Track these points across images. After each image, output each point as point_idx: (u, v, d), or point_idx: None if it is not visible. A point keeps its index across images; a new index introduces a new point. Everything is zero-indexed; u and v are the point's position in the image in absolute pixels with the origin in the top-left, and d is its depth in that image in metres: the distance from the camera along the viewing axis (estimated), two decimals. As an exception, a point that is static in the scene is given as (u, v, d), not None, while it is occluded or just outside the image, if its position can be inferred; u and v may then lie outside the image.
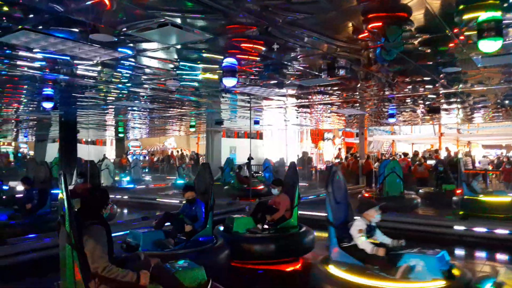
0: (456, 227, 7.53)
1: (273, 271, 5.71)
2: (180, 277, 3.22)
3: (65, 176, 3.01)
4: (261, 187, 12.74)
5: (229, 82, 5.64)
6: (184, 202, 5.65)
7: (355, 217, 4.72)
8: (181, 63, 6.28)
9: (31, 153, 23.36)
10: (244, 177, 13.41)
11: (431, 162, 15.04)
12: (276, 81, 7.91)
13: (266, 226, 5.88)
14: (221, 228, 6.11)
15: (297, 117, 15.36)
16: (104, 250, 2.94)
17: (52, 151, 19.12)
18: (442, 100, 10.44)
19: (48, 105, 8.15)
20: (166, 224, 5.47)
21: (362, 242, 4.21)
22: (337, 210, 4.58)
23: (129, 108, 12.35)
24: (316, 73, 6.98)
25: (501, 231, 7.16)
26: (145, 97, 9.89)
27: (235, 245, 5.41)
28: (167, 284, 3.08)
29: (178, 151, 26.15)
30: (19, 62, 6.25)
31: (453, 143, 21.80)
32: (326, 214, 4.59)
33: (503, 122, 19.16)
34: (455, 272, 3.82)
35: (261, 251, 5.58)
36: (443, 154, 16.80)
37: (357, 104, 11.46)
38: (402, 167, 14.10)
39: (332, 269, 4.22)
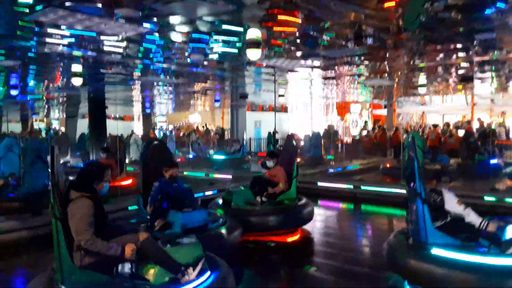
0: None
1: (277, 242, 5.76)
2: (172, 253, 3.14)
3: (52, 149, 3.08)
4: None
5: (253, 54, 5.56)
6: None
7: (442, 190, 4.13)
8: (203, 36, 6.24)
9: (63, 129, 24.10)
10: None
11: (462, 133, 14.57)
12: (302, 52, 7.76)
13: (264, 199, 5.85)
14: (220, 201, 6.09)
15: (323, 89, 15.11)
16: (89, 223, 2.97)
17: (83, 127, 19.69)
18: (476, 69, 9.99)
19: (77, 81, 8.32)
20: None
21: (470, 214, 3.83)
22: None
23: (154, 84, 12.47)
24: (343, 43, 6.79)
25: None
26: (171, 71, 9.94)
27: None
28: (156, 259, 3.06)
29: (203, 126, 26.37)
30: (48, 40, 6.37)
31: (486, 114, 20.96)
32: (411, 186, 3.88)
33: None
34: None
35: (263, 224, 5.59)
36: (475, 125, 16.22)
37: (386, 75, 11.13)
38: (432, 138, 13.83)
39: (436, 250, 3.67)
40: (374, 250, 5.67)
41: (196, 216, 4.53)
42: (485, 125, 15.08)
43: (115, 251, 2.94)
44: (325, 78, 11.68)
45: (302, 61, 8.67)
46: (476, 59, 8.57)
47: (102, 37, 6.15)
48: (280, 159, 6.28)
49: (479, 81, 12.44)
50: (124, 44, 6.76)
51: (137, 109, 22.99)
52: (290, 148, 6.58)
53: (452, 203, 3.88)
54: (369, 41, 6.71)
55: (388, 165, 12.17)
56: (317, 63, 9.05)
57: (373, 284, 4.45)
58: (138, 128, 25.31)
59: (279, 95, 15.04)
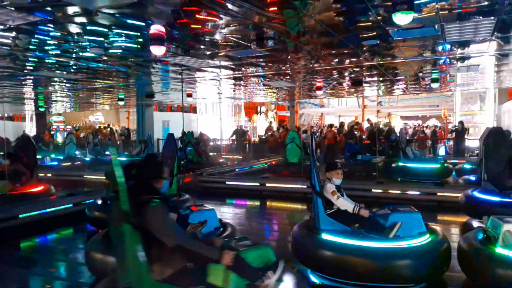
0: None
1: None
2: (246, 256, 2.76)
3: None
4: (221, 160, 13.97)
5: (157, 50, 5.52)
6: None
7: (324, 181, 4.55)
8: (104, 29, 6.00)
9: None
10: (202, 151, 13.77)
11: (356, 132, 16.06)
12: (209, 52, 7.87)
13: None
14: (99, 202, 6.30)
15: (234, 90, 15.42)
16: (174, 223, 2.71)
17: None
18: (365, 73, 11.10)
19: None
20: None
21: (341, 201, 4.21)
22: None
23: (51, 80, 11.52)
24: (248, 44, 7.06)
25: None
26: (68, 67, 9.29)
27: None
28: (242, 273, 2.64)
29: (106, 126, 25.01)
30: None
31: (375, 115, 23.37)
32: (311, 182, 4.30)
33: (420, 95, 20.85)
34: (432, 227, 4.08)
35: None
36: (365, 125, 17.99)
37: (288, 77, 11.78)
38: (329, 137, 15.02)
39: (325, 236, 4.09)
40: (281, 243, 6.03)
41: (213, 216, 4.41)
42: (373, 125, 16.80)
43: (214, 254, 2.63)
44: (233, 78, 11.95)
45: (209, 60, 8.79)
46: (365, 63, 9.54)
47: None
48: (162, 156, 6.66)
49: (368, 85, 13.83)
50: (13, 34, 6.18)
51: (29, 107, 20.91)
52: (171, 147, 6.83)
53: (328, 194, 4.31)
54: (270, 43, 7.07)
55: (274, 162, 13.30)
56: (224, 63, 9.25)
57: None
58: (30, 128, 23.08)
59: (187, 95, 14.98)
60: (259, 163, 14.25)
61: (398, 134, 12.37)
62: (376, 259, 3.77)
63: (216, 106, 23.50)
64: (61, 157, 15.05)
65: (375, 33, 6.52)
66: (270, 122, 24.94)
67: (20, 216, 6.17)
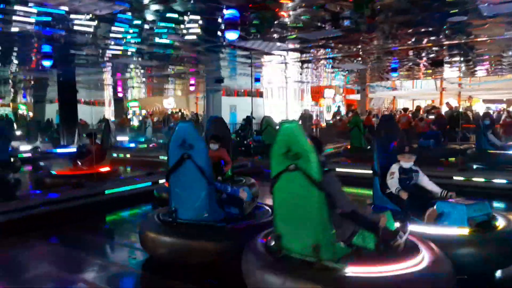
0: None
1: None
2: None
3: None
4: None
5: (231, 35, 5.52)
6: None
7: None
8: (176, 16, 6.14)
9: (30, 114, 23.28)
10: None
11: (432, 117, 15.05)
12: (277, 35, 7.76)
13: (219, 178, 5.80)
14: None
15: (300, 74, 15.19)
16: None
17: (51, 112, 19.08)
18: (445, 53, 10.29)
19: (47, 63, 8.04)
20: None
21: (389, 181, 4.30)
22: (384, 159, 4.56)
23: (128, 66, 12.20)
24: (319, 24, 6.84)
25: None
26: (144, 54, 9.74)
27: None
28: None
29: (178, 111, 26.05)
30: (14, 17, 6.10)
31: (454, 98, 21.68)
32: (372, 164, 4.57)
33: (505, 76, 18.95)
34: (491, 223, 3.68)
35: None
36: (444, 109, 16.76)
37: (359, 59, 11.30)
38: (402, 122, 14.24)
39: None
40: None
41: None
42: (453, 108, 15.63)
43: (375, 219, 3.05)
44: (301, 61, 11.74)
45: (278, 43, 8.68)
46: (446, 42, 8.82)
47: (72, 16, 5.95)
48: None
49: (448, 66, 12.83)
50: (95, 23, 6.57)
51: (108, 93, 22.42)
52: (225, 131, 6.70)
53: (388, 174, 4.42)
54: (344, 23, 6.78)
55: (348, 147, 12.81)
56: (292, 46, 9.08)
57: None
58: (109, 113, 24.76)
59: (255, 79, 15.02)
60: (327, 147, 13.97)
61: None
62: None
63: (282, 90, 23.38)
64: (141, 140, 15.96)
65: (460, 9, 5.95)
66: (338, 107, 24.31)
67: (106, 192, 6.70)
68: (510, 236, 3.59)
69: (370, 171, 4.62)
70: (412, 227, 3.56)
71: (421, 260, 2.82)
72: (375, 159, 4.51)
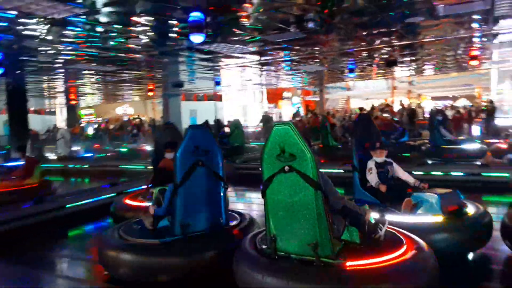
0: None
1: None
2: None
3: None
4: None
5: (196, 38, 5.47)
6: None
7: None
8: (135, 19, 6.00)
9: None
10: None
11: (386, 115, 15.67)
12: (237, 38, 7.78)
13: None
14: None
15: (260, 76, 15.30)
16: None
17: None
18: (397, 53, 10.77)
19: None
20: None
21: (369, 176, 4.46)
22: (362, 156, 4.71)
23: (81, 72, 11.73)
24: (279, 25, 6.93)
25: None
26: (99, 59, 9.41)
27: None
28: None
29: (135, 118, 25.35)
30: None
31: (405, 96, 22.75)
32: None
33: (451, 74, 20.14)
34: (463, 210, 3.85)
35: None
36: (396, 108, 17.53)
37: (317, 60, 11.57)
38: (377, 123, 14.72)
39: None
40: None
41: None
42: (406, 107, 16.37)
43: (364, 212, 3.14)
44: (261, 64, 11.84)
45: (239, 46, 8.70)
46: (398, 43, 9.23)
47: (23, 20, 5.63)
48: None
49: (400, 65, 13.44)
50: (47, 27, 6.26)
51: (59, 100, 21.41)
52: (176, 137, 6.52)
53: (367, 173, 4.57)
54: (308, 25, 6.91)
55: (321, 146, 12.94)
56: (251, 49, 9.13)
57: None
58: (61, 121, 23.67)
59: (216, 83, 14.97)
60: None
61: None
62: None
63: (241, 93, 23.44)
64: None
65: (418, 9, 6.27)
66: (298, 108, 24.73)
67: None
68: (480, 221, 3.83)
69: (342, 170, 4.73)
70: (391, 217, 3.68)
71: (407, 249, 2.96)
72: (353, 156, 4.63)
